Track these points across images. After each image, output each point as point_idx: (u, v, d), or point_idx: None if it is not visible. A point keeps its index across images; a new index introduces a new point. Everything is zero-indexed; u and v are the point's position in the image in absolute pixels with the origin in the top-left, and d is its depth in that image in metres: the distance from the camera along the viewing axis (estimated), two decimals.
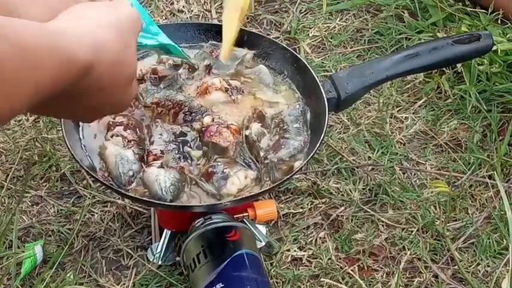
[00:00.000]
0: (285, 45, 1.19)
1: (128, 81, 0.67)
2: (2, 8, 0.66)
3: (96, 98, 0.65)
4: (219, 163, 1.02)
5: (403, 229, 1.21)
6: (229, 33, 1.08)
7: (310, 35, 1.52)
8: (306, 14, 1.57)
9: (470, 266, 1.16)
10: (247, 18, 1.55)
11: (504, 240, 1.18)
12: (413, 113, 1.39)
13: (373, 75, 1.14)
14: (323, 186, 1.25)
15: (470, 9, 1.52)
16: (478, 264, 1.16)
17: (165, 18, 1.55)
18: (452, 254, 1.17)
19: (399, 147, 1.33)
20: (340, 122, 1.36)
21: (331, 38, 1.52)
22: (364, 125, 1.35)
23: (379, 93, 1.40)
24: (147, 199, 0.98)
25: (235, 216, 1.09)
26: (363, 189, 1.26)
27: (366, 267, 1.16)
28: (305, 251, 1.17)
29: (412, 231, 1.20)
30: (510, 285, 1.03)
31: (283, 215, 1.21)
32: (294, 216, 1.22)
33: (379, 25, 1.53)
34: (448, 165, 1.30)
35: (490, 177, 1.27)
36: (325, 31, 1.53)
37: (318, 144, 1.03)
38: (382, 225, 1.21)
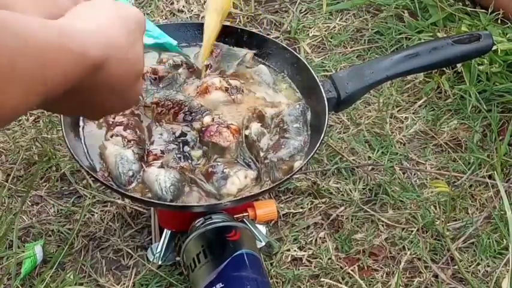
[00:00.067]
0: (285, 45, 1.19)
1: (136, 78, 0.68)
2: (1, 8, 0.66)
3: (104, 94, 0.65)
4: (219, 163, 1.02)
5: (403, 229, 1.21)
6: (210, 35, 1.09)
7: (310, 35, 1.52)
8: (306, 14, 1.57)
9: (470, 266, 1.16)
10: (248, 18, 1.55)
11: (504, 240, 1.18)
12: (413, 113, 1.39)
13: (373, 75, 1.14)
14: (323, 186, 1.25)
15: (470, 9, 1.52)
16: (478, 264, 1.16)
17: (165, 18, 1.55)
18: (452, 254, 1.17)
19: (399, 147, 1.33)
20: (340, 122, 1.36)
21: (331, 38, 1.52)
22: (364, 125, 1.35)
23: (379, 93, 1.40)
24: (147, 199, 0.98)
25: (235, 216, 1.09)
26: (363, 189, 1.26)
27: (366, 267, 1.16)
28: (305, 251, 1.17)
29: (412, 231, 1.20)
30: (510, 285, 1.03)
31: (283, 215, 1.21)
32: (294, 216, 1.22)
33: (379, 25, 1.53)
34: (448, 165, 1.30)
35: (490, 177, 1.27)
36: (325, 31, 1.53)
37: (318, 144, 1.03)
38: (382, 225, 1.21)
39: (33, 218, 1.19)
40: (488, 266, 1.16)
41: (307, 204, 1.23)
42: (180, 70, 1.12)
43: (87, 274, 1.13)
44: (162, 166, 1.00)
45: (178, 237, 1.12)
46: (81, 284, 1.11)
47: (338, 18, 1.56)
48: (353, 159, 1.30)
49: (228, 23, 1.16)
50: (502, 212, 1.20)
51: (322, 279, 1.13)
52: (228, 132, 1.03)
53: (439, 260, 1.17)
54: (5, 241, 1.13)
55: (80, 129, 1.05)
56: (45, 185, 1.24)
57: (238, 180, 1.00)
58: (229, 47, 1.16)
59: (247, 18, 1.55)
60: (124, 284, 1.12)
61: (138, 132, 1.03)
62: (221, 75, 1.12)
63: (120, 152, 1.00)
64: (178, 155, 1.02)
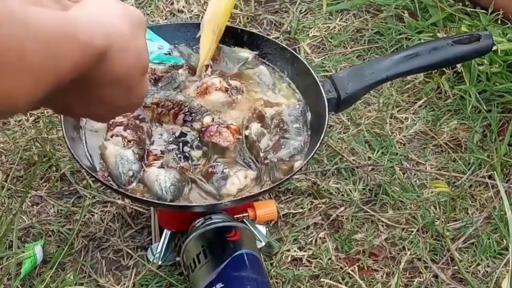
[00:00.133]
0: (285, 46, 1.19)
1: (142, 73, 0.68)
2: None
3: (111, 88, 0.65)
4: (219, 163, 1.02)
5: (403, 229, 1.21)
6: (206, 52, 1.11)
7: (310, 35, 1.52)
8: (306, 14, 1.57)
9: (470, 266, 1.16)
10: (248, 19, 1.55)
11: (504, 240, 1.18)
12: (413, 113, 1.39)
13: (373, 75, 1.14)
14: (323, 186, 1.25)
15: (470, 9, 1.52)
16: (478, 264, 1.16)
17: (165, 18, 1.54)
18: (452, 254, 1.17)
19: (399, 147, 1.33)
20: (340, 122, 1.36)
21: (331, 38, 1.52)
22: (364, 125, 1.35)
23: (379, 93, 1.40)
24: (147, 199, 0.98)
25: (235, 216, 1.09)
26: (363, 189, 1.26)
27: (366, 267, 1.16)
28: (305, 251, 1.17)
29: (412, 231, 1.20)
30: (510, 285, 1.03)
31: (283, 215, 1.21)
32: (294, 216, 1.22)
33: (379, 25, 1.53)
34: (448, 165, 1.30)
35: (490, 177, 1.27)
36: (325, 31, 1.53)
37: (318, 145, 1.03)
38: (382, 225, 1.21)
39: (33, 218, 1.19)
40: (488, 266, 1.16)
41: (307, 204, 1.23)
42: (180, 71, 1.12)
43: (87, 274, 1.13)
44: (162, 166, 1.00)
45: (178, 238, 1.12)
46: (81, 284, 1.11)
47: (338, 19, 1.56)
48: (353, 160, 1.30)
49: (228, 23, 1.16)
50: (502, 212, 1.20)
51: (322, 280, 1.13)
52: (228, 133, 1.03)
53: (439, 260, 1.17)
54: (5, 241, 1.13)
55: (80, 129, 1.05)
56: (45, 185, 1.24)
57: (238, 181, 1.00)
58: (231, 49, 1.16)
59: (247, 18, 1.55)
60: (124, 284, 1.12)
61: (138, 132, 1.03)
62: (221, 76, 1.12)
63: (120, 152, 1.00)
64: (179, 155, 1.02)
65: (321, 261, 1.16)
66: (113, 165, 0.99)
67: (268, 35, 1.47)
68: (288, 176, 1.02)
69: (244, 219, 1.11)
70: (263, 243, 1.14)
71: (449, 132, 1.36)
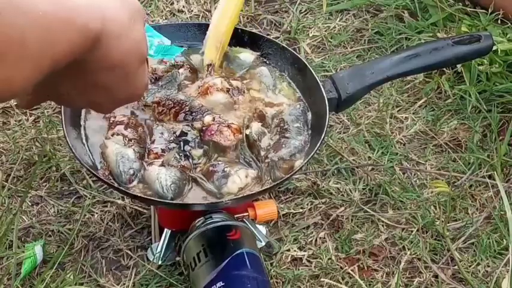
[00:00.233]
0: (285, 46, 1.19)
1: (139, 60, 0.68)
2: None
3: (106, 74, 0.65)
4: (219, 162, 1.02)
5: (403, 229, 1.21)
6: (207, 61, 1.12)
7: (310, 35, 1.52)
8: (306, 14, 1.57)
9: (470, 266, 1.16)
10: (248, 18, 1.55)
11: (504, 240, 1.18)
12: (413, 113, 1.39)
13: (374, 76, 1.14)
14: (323, 186, 1.25)
15: (470, 9, 1.52)
16: (478, 264, 1.16)
17: (165, 18, 1.55)
18: (452, 254, 1.17)
19: (399, 147, 1.33)
20: (340, 122, 1.36)
21: (331, 38, 1.52)
22: (364, 125, 1.35)
23: (379, 93, 1.40)
24: (148, 197, 0.98)
25: (235, 216, 1.10)
26: (363, 189, 1.26)
27: (366, 267, 1.16)
28: (305, 251, 1.17)
29: (412, 231, 1.20)
30: (510, 285, 1.03)
31: (283, 215, 1.21)
32: (294, 216, 1.22)
33: (379, 25, 1.53)
34: (448, 165, 1.30)
35: (490, 177, 1.27)
36: (325, 31, 1.53)
37: (318, 144, 1.03)
38: (382, 225, 1.21)
39: (33, 218, 1.19)
40: (488, 266, 1.16)
41: (307, 204, 1.23)
42: (181, 70, 1.12)
43: (87, 274, 1.13)
44: (162, 165, 1.00)
45: (178, 237, 1.12)
46: (81, 284, 1.11)
47: (338, 19, 1.56)
48: (353, 160, 1.30)
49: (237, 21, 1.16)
50: (502, 212, 1.20)
51: (322, 279, 1.13)
52: (228, 132, 1.03)
53: (439, 260, 1.17)
54: (5, 241, 1.13)
55: (81, 128, 1.05)
56: (45, 185, 1.24)
57: (239, 179, 1.00)
58: (233, 51, 1.16)
59: (247, 18, 1.55)
60: (124, 284, 1.12)
61: (138, 131, 1.04)
62: (223, 76, 1.12)
63: (121, 151, 1.00)
64: (179, 154, 1.02)
65: (321, 261, 1.16)
66: (114, 163, 0.99)
67: (268, 35, 1.47)
68: (289, 175, 1.02)
69: (245, 219, 1.11)
70: (263, 243, 1.14)
71: (449, 132, 1.36)
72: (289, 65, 1.16)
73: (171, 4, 1.58)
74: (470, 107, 1.38)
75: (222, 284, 1.00)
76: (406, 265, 1.17)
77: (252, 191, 1.00)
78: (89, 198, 1.21)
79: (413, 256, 1.17)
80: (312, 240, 1.19)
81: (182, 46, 1.11)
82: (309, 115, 1.10)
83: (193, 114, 1.06)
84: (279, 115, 1.08)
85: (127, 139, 1.02)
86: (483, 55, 1.28)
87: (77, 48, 0.59)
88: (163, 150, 1.02)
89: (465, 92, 1.39)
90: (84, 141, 1.04)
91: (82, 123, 1.05)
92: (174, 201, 0.99)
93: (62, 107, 1.02)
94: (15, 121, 1.33)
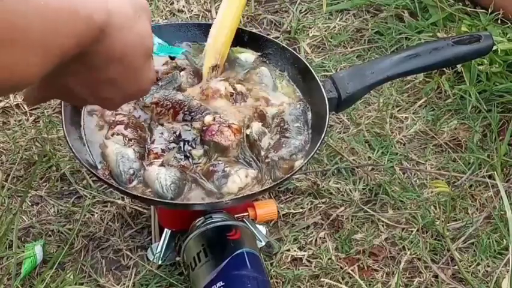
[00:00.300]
0: (285, 45, 1.19)
1: (144, 54, 0.68)
2: None
3: (113, 69, 0.66)
4: (219, 162, 1.02)
5: (403, 229, 1.21)
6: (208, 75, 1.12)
7: (310, 35, 1.52)
8: (306, 14, 1.57)
9: (470, 266, 1.16)
10: (248, 18, 1.55)
11: (504, 240, 1.18)
12: (413, 113, 1.39)
13: (374, 75, 1.14)
14: (323, 186, 1.25)
15: (470, 9, 1.52)
16: (478, 264, 1.16)
17: (165, 18, 1.54)
18: (452, 254, 1.17)
19: (399, 147, 1.33)
20: (340, 122, 1.36)
21: (331, 38, 1.52)
22: (364, 125, 1.35)
23: (379, 93, 1.40)
24: (148, 197, 0.98)
25: (235, 216, 1.10)
26: (363, 189, 1.26)
27: (366, 267, 1.16)
28: (305, 251, 1.17)
29: (412, 231, 1.20)
30: (510, 285, 1.03)
31: (283, 215, 1.21)
32: (294, 216, 1.22)
33: (379, 25, 1.53)
34: (448, 165, 1.30)
35: (490, 177, 1.27)
36: (325, 31, 1.53)
37: (318, 144, 1.03)
38: (382, 225, 1.21)
39: (33, 218, 1.19)
40: (488, 266, 1.16)
41: (307, 204, 1.23)
42: (183, 73, 1.12)
43: (87, 274, 1.13)
44: (162, 165, 1.00)
45: (178, 237, 1.12)
46: (81, 284, 1.11)
47: (338, 18, 1.56)
48: (353, 159, 1.30)
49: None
50: (502, 212, 1.20)
51: (322, 279, 1.13)
52: (229, 132, 1.03)
53: (439, 260, 1.17)
54: (5, 241, 1.13)
55: (81, 128, 1.05)
56: (45, 185, 1.24)
57: (239, 179, 1.00)
58: (233, 51, 1.16)
59: (247, 18, 1.55)
60: (124, 284, 1.12)
61: (138, 131, 1.04)
62: (226, 80, 1.12)
63: (121, 151, 1.00)
64: (179, 154, 1.02)
65: (321, 261, 1.16)
66: (114, 163, 0.99)
67: (268, 34, 1.47)
68: (289, 175, 1.02)
69: (245, 219, 1.11)
70: (263, 243, 1.14)
71: (449, 132, 1.36)
72: (289, 65, 1.16)
73: (171, 4, 1.58)
74: (470, 107, 1.38)
75: (222, 284, 1.00)
76: (406, 265, 1.17)
77: (252, 191, 1.00)
78: (89, 198, 1.21)
79: (413, 256, 1.17)
80: (312, 240, 1.19)
81: (182, 47, 1.11)
82: (309, 115, 1.09)
83: (192, 114, 1.06)
84: (280, 115, 1.08)
85: (127, 139, 1.02)
86: (483, 55, 1.28)
87: (82, 40, 0.59)
88: (163, 150, 1.02)
89: (465, 92, 1.39)
90: (84, 141, 1.04)
91: (82, 123, 1.05)
92: (173, 201, 0.99)
93: (62, 107, 1.02)
94: (15, 121, 1.33)
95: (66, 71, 0.64)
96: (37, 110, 1.35)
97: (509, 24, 1.46)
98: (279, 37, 1.51)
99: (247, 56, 1.16)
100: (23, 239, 1.16)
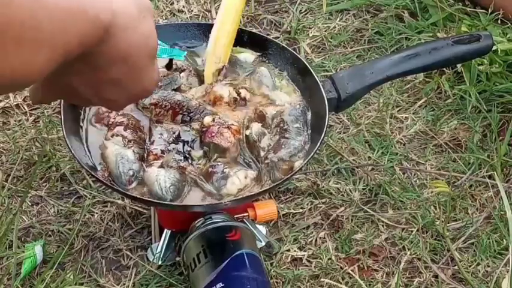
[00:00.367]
0: (285, 46, 1.19)
1: (148, 55, 0.68)
2: None
3: (117, 69, 0.66)
4: (219, 163, 1.02)
5: (403, 229, 1.21)
6: (210, 80, 1.11)
7: (310, 35, 1.52)
8: (306, 14, 1.57)
9: (470, 266, 1.16)
10: (248, 18, 1.55)
11: (504, 240, 1.18)
12: (413, 113, 1.39)
13: (374, 75, 1.14)
14: (323, 186, 1.25)
15: (470, 9, 1.52)
16: (478, 264, 1.16)
17: (165, 18, 1.54)
18: (452, 254, 1.17)
19: (399, 147, 1.33)
20: (340, 122, 1.36)
21: (331, 38, 1.52)
22: (364, 125, 1.35)
23: (379, 93, 1.40)
24: (147, 199, 0.98)
25: (235, 216, 1.10)
26: (363, 189, 1.26)
27: (366, 267, 1.16)
28: (305, 251, 1.17)
29: (412, 231, 1.20)
30: (510, 285, 1.03)
31: (283, 215, 1.21)
32: (294, 216, 1.22)
33: (379, 25, 1.53)
34: (448, 165, 1.30)
35: (490, 177, 1.27)
36: (325, 31, 1.53)
37: (318, 144, 1.03)
38: (382, 225, 1.21)
39: (33, 218, 1.19)
40: (488, 266, 1.16)
41: (307, 204, 1.23)
42: (182, 74, 1.12)
43: (87, 274, 1.13)
44: (162, 166, 1.00)
45: (178, 237, 1.12)
46: (81, 284, 1.11)
47: (338, 18, 1.56)
48: (353, 160, 1.30)
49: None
50: (502, 212, 1.20)
51: (322, 279, 1.13)
52: (229, 133, 1.03)
53: (439, 260, 1.17)
54: (5, 241, 1.13)
55: (81, 129, 1.05)
56: (45, 185, 1.24)
57: (238, 180, 1.00)
58: (234, 57, 1.16)
59: (247, 18, 1.55)
60: (124, 284, 1.12)
61: (138, 132, 1.03)
62: (231, 84, 1.11)
63: (121, 152, 1.00)
64: (179, 155, 1.02)
65: (321, 261, 1.16)
66: (113, 164, 0.99)
67: (268, 34, 1.47)
68: (288, 176, 1.02)
69: (245, 219, 1.11)
70: (263, 243, 1.14)
71: (449, 132, 1.36)
72: (289, 65, 1.16)
73: (171, 4, 1.58)
74: (470, 107, 1.38)
75: (221, 285, 1.00)
76: (406, 265, 1.17)
77: (252, 192, 1.00)
78: (89, 198, 1.21)
79: (413, 256, 1.17)
80: (312, 240, 1.19)
81: (183, 49, 1.11)
82: (309, 115, 1.09)
83: (191, 114, 1.06)
84: (279, 115, 1.08)
85: (126, 140, 1.01)
86: (483, 55, 1.28)
87: (87, 40, 0.59)
88: (162, 151, 1.02)
89: (465, 92, 1.39)
90: (83, 142, 1.04)
91: (82, 124, 1.05)
92: (173, 203, 0.99)
93: (62, 107, 1.02)
94: (15, 121, 1.33)
95: (70, 70, 0.64)
96: (37, 110, 1.35)
97: (509, 24, 1.46)
98: (279, 37, 1.51)
99: (247, 56, 1.16)
100: (23, 239, 1.17)
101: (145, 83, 0.71)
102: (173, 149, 1.03)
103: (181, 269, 1.11)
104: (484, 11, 1.49)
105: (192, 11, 1.57)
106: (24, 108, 1.35)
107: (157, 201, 0.98)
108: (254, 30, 1.44)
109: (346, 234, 1.19)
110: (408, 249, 1.18)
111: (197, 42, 1.18)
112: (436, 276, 1.15)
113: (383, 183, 1.25)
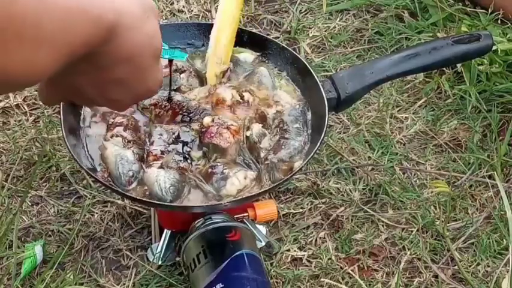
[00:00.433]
0: (285, 45, 1.19)
1: (152, 56, 0.68)
2: None
3: (121, 69, 0.66)
4: (218, 163, 1.02)
5: (403, 229, 1.21)
6: (213, 81, 1.11)
7: (310, 35, 1.52)
8: (306, 14, 1.57)
9: (470, 266, 1.16)
10: (248, 18, 1.55)
11: (504, 240, 1.18)
12: (413, 113, 1.39)
13: (373, 75, 1.14)
14: (323, 186, 1.25)
15: (470, 9, 1.52)
16: (478, 264, 1.16)
17: (165, 18, 1.55)
18: (452, 254, 1.17)
19: (399, 147, 1.33)
20: (340, 122, 1.36)
21: (331, 38, 1.52)
22: (364, 125, 1.35)
23: (379, 93, 1.40)
24: (147, 199, 0.98)
25: (235, 216, 1.10)
26: (363, 189, 1.26)
27: (366, 267, 1.16)
28: (305, 251, 1.17)
29: (412, 231, 1.20)
30: (510, 285, 1.03)
31: (283, 215, 1.21)
32: (294, 216, 1.22)
33: (379, 25, 1.53)
34: (448, 165, 1.30)
35: (490, 177, 1.27)
36: (325, 31, 1.53)
37: (318, 144, 1.03)
38: (382, 225, 1.21)
39: (33, 218, 1.19)
40: (488, 266, 1.16)
41: (307, 204, 1.23)
42: (183, 75, 1.12)
43: (87, 274, 1.13)
44: (161, 167, 1.00)
45: (178, 238, 1.12)
46: (81, 284, 1.11)
47: (338, 18, 1.56)
48: (353, 160, 1.30)
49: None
50: (502, 212, 1.20)
51: (322, 279, 1.13)
52: (228, 133, 1.03)
53: (439, 260, 1.17)
54: (5, 241, 1.13)
55: (80, 129, 1.05)
56: (45, 185, 1.24)
57: (237, 181, 1.00)
58: (234, 57, 1.16)
59: (247, 18, 1.55)
60: (124, 284, 1.12)
61: (138, 132, 1.03)
62: (235, 87, 1.11)
63: (120, 153, 1.00)
64: (178, 156, 1.02)
65: (321, 261, 1.16)
66: (113, 165, 0.99)
67: (268, 34, 1.47)
68: (288, 177, 1.01)
69: (244, 219, 1.11)
70: (263, 243, 1.14)
71: (449, 132, 1.36)
72: (289, 65, 1.16)
73: (171, 4, 1.58)
74: (470, 107, 1.38)
75: (221, 286, 1.00)
76: (406, 265, 1.17)
77: (251, 192, 1.00)
78: (89, 198, 1.21)
79: (413, 256, 1.17)
80: (312, 240, 1.19)
81: (184, 50, 1.11)
82: (309, 115, 1.09)
83: (191, 114, 1.06)
84: (279, 116, 1.08)
85: (126, 140, 1.01)
86: (483, 54, 1.28)
87: (91, 40, 0.60)
88: (162, 152, 1.02)
89: (465, 92, 1.39)
90: (83, 142, 1.04)
91: (81, 124, 1.05)
92: (173, 204, 0.98)
93: (61, 107, 1.02)
94: (15, 121, 1.33)
95: (75, 70, 0.64)
96: (37, 110, 1.35)
97: (509, 24, 1.46)
98: (279, 37, 1.51)
99: (247, 55, 1.16)
100: (23, 239, 1.17)
101: (149, 83, 0.71)
102: (173, 149, 1.03)
103: (181, 269, 1.11)
104: (484, 11, 1.49)
105: (192, 11, 1.57)
106: (24, 108, 1.35)
107: (157, 202, 0.98)
108: (254, 30, 1.44)
109: (346, 234, 1.19)
110: (408, 249, 1.18)
111: (197, 43, 1.18)
112: (436, 276, 1.15)
113: (383, 183, 1.25)
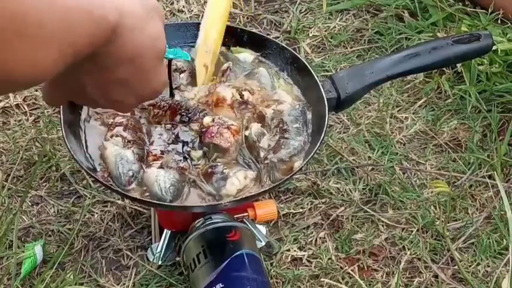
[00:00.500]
0: (285, 45, 1.19)
1: (155, 57, 0.68)
2: None
3: (125, 70, 0.66)
4: (218, 163, 1.02)
5: (403, 229, 1.21)
6: (202, 76, 1.10)
7: (310, 35, 1.52)
8: (306, 14, 1.57)
9: (470, 266, 1.16)
10: (247, 18, 1.55)
11: (504, 240, 1.18)
12: (413, 113, 1.39)
13: (373, 75, 1.14)
14: (323, 186, 1.25)
15: (470, 9, 1.52)
16: (478, 264, 1.16)
17: (165, 18, 1.54)
18: (452, 254, 1.17)
19: (399, 147, 1.33)
20: (340, 122, 1.36)
21: (331, 38, 1.52)
22: (364, 125, 1.35)
23: (379, 93, 1.40)
24: (147, 199, 0.98)
25: (235, 216, 1.10)
26: (363, 189, 1.26)
27: (366, 267, 1.16)
28: (305, 251, 1.17)
29: (412, 231, 1.20)
30: (510, 285, 1.03)
31: (283, 215, 1.21)
32: (294, 216, 1.22)
33: (379, 25, 1.53)
34: (448, 165, 1.30)
35: (490, 177, 1.27)
36: (325, 31, 1.53)
37: (318, 144, 1.03)
38: (382, 225, 1.21)
39: (33, 218, 1.19)
40: (488, 266, 1.16)
41: (307, 204, 1.23)
42: (182, 75, 1.12)
43: (87, 274, 1.13)
44: (161, 167, 1.00)
45: (178, 237, 1.12)
46: (81, 284, 1.11)
47: (338, 18, 1.56)
48: (353, 159, 1.30)
49: (227, 23, 1.16)
50: (502, 212, 1.20)
51: (322, 279, 1.13)
52: (228, 133, 1.03)
53: (439, 260, 1.17)
54: (5, 241, 1.13)
55: (80, 130, 1.05)
56: (45, 185, 1.24)
57: (237, 181, 1.00)
58: (233, 51, 1.16)
59: (247, 18, 1.55)
60: (124, 284, 1.12)
61: (138, 132, 1.03)
62: (234, 87, 1.11)
63: (120, 152, 1.00)
64: (178, 156, 1.02)
65: (321, 261, 1.16)
66: (113, 165, 0.99)
67: (268, 34, 1.47)
68: (288, 176, 1.01)
69: (244, 219, 1.11)
70: (263, 243, 1.14)
71: (449, 132, 1.36)
72: (289, 65, 1.16)
73: (171, 4, 1.58)
74: (470, 107, 1.38)
75: (221, 286, 1.00)
76: (406, 265, 1.17)
77: (251, 192, 1.00)
78: (89, 198, 1.21)
79: (413, 256, 1.17)
80: (312, 240, 1.19)
81: (186, 50, 1.11)
82: (309, 115, 1.09)
83: (190, 114, 1.06)
84: (278, 115, 1.08)
85: (126, 140, 1.01)
86: (483, 54, 1.28)
87: (94, 40, 0.60)
88: (162, 152, 1.02)
89: (465, 92, 1.39)
90: (83, 142, 1.04)
91: (81, 124, 1.05)
92: (172, 204, 0.98)
93: (61, 107, 1.02)
94: (15, 121, 1.33)
95: (79, 70, 0.64)
96: (37, 110, 1.35)
97: (509, 24, 1.46)
98: (279, 37, 1.51)
99: (246, 55, 1.16)
100: (23, 239, 1.17)
101: (153, 84, 0.71)
102: (173, 149, 1.03)
103: (181, 269, 1.11)
104: (484, 11, 1.49)
105: (192, 11, 1.57)
106: (24, 108, 1.35)
107: (157, 202, 0.98)
108: (254, 30, 1.44)
109: (346, 234, 1.19)
110: (408, 249, 1.18)
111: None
112: (436, 276, 1.15)
113: (383, 183, 1.25)
